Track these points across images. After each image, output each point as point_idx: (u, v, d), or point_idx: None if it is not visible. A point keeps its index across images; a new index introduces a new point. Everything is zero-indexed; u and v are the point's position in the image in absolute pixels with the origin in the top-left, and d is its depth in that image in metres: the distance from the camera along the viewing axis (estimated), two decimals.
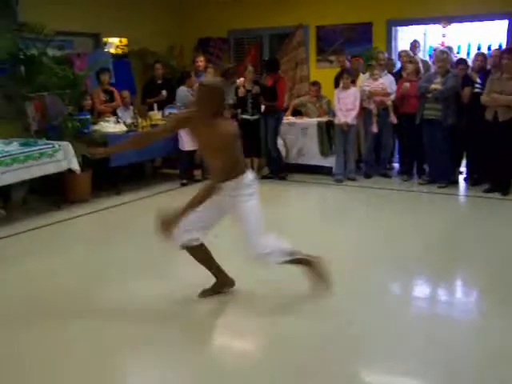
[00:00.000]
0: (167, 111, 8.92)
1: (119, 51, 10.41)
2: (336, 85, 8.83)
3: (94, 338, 3.83)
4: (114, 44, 10.37)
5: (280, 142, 8.81)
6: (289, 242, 4.30)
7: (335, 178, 8.51)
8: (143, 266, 5.24)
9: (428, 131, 7.86)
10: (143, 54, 10.43)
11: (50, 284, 4.83)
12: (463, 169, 8.27)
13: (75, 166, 7.25)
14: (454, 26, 9.26)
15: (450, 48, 8.69)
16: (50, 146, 7.03)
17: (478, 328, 3.92)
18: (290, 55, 10.26)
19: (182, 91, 8.47)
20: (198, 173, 8.89)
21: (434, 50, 8.97)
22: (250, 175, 4.22)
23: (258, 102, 8.67)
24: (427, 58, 9.35)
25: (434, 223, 6.37)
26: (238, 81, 8.93)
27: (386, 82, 8.36)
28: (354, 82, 8.58)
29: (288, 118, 9.03)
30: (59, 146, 7.09)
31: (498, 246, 5.55)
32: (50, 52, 8.19)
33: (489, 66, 7.83)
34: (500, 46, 8.69)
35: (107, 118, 8.35)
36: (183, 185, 8.52)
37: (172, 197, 8.03)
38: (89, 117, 8.04)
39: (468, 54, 9.48)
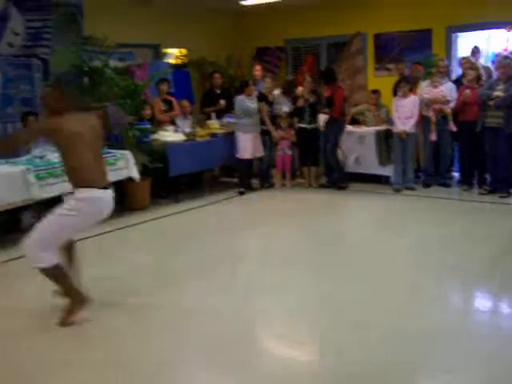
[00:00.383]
0: (225, 120, 9.02)
1: (178, 61, 10.61)
2: (395, 93, 8.73)
3: (145, 344, 3.90)
4: (174, 54, 10.57)
5: (338, 151, 8.76)
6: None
7: (393, 188, 8.40)
8: (201, 272, 5.29)
9: (489, 139, 7.69)
10: (202, 63, 10.59)
11: (112, 287, 4.94)
12: None
13: (135, 174, 7.39)
14: None
15: None
16: (112, 154, 7.19)
17: None
18: (347, 64, 10.18)
19: (240, 100, 8.54)
20: (255, 182, 8.93)
21: (497, 56, 8.76)
22: (93, 193, 4.14)
23: (315, 110, 8.66)
24: (489, 65, 9.14)
25: (497, 234, 6.21)
26: (297, 90, 8.95)
27: (446, 89, 8.21)
28: (411, 90, 8.46)
29: (346, 127, 8.99)
30: (120, 154, 7.25)
31: None
32: (112, 63, 8.45)
33: None
34: None
35: (166, 127, 8.50)
36: (241, 193, 8.57)
37: (229, 205, 8.10)
38: (148, 126, 8.20)
39: None
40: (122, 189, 7.65)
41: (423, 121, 8.38)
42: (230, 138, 8.62)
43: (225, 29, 11.05)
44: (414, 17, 9.69)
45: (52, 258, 4.04)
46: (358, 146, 8.82)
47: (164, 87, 8.88)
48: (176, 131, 8.49)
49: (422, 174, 8.79)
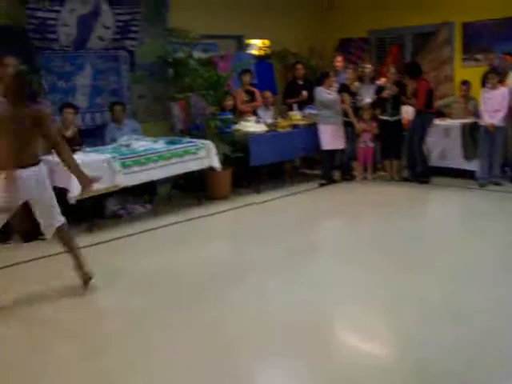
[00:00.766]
0: (307, 111, 8.98)
1: (261, 52, 10.64)
2: (483, 84, 8.41)
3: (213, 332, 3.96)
4: (257, 45, 10.61)
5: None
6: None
7: (479, 183, 8.11)
8: (278, 263, 5.31)
9: None
10: (285, 54, 10.57)
11: (189, 272, 5.05)
12: None
13: (216, 164, 7.50)
14: None
15: None
16: (194, 144, 7.33)
17: None
18: (433, 54, 9.93)
19: (319, 91, 8.48)
20: (336, 173, 8.86)
21: None
22: None
23: (398, 102, 8.48)
24: None
25: None
26: (380, 81, 8.80)
27: None
28: (501, 82, 8.13)
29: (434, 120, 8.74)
30: (202, 144, 7.37)
31: None
32: (196, 55, 8.59)
33: None
34: None
35: (248, 118, 8.55)
36: (322, 185, 8.52)
37: (310, 197, 8.07)
38: (231, 116, 8.28)
39: None
40: (204, 178, 7.79)
41: None
42: (311, 130, 8.58)
43: (308, 20, 10.98)
44: (505, 3, 9.26)
45: None
46: (442, 140, 8.55)
47: (246, 78, 8.95)
48: (258, 122, 8.53)
49: (508, 169, 8.44)
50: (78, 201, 6.18)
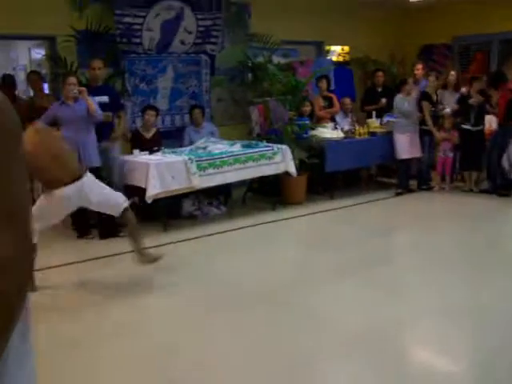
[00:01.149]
0: (386, 119, 8.85)
1: (341, 59, 10.59)
2: None
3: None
4: (337, 52, 10.57)
5: (504, 157, 8.23)
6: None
7: None
8: (347, 270, 5.26)
9: None
10: (365, 61, 10.48)
11: (254, 277, 5.07)
12: None
13: (292, 169, 7.50)
14: None
15: None
16: (270, 148, 7.36)
17: None
18: None
19: (398, 99, 8.34)
20: (413, 183, 8.68)
21: None
22: None
23: (482, 112, 8.22)
24: None
25: None
26: (464, 89, 8.57)
27: None
28: None
29: None
30: (278, 148, 7.39)
31: None
32: (275, 60, 8.64)
33: None
34: None
35: (325, 124, 8.52)
36: (398, 194, 8.37)
37: (385, 205, 7.95)
38: (308, 122, 8.27)
39: None
40: (279, 183, 7.81)
41: None
42: (388, 138, 8.44)
43: (389, 26, 10.84)
44: None
45: None
46: None
47: (323, 84, 8.92)
48: (335, 128, 8.48)
49: None
50: (154, 200, 6.34)
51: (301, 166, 7.77)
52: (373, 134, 8.60)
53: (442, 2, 10.09)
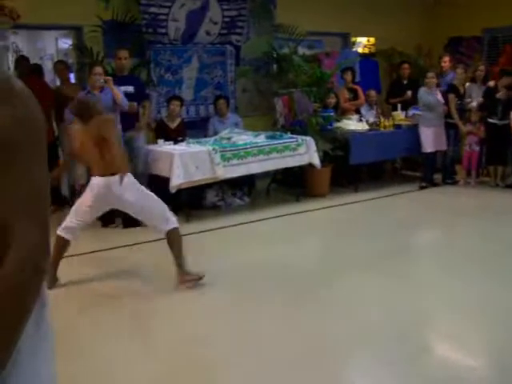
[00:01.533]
0: (411, 112, 8.76)
1: (366, 50, 10.51)
2: None
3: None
4: (362, 43, 10.49)
5: None
6: None
7: None
8: (367, 263, 5.22)
9: None
10: (390, 53, 10.38)
11: (282, 268, 5.07)
12: None
13: (316, 160, 7.48)
14: None
15: None
16: (294, 140, 7.35)
17: None
18: None
19: (422, 92, 8.26)
20: (437, 176, 8.60)
21: None
22: None
23: (509, 106, 8.08)
24: None
25: None
26: (491, 83, 8.44)
27: None
28: None
29: None
30: (302, 140, 7.37)
31: None
32: (301, 51, 8.60)
33: None
34: None
35: (350, 116, 8.47)
36: (422, 188, 8.30)
37: (409, 199, 7.88)
38: (333, 114, 8.22)
39: None
40: (303, 175, 7.79)
41: None
42: (414, 130, 8.37)
43: (415, 18, 10.72)
44: None
45: None
46: None
47: (348, 76, 8.86)
48: (360, 120, 8.43)
49: None
50: (178, 190, 6.36)
51: (325, 157, 7.74)
52: (398, 126, 8.53)
53: None
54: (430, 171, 8.45)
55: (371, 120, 8.53)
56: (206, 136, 7.57)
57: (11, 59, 9.03)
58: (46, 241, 1.19)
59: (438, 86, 8.45)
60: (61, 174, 5.91)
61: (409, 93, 9.09)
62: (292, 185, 7.84)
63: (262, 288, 4.65)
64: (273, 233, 6.32)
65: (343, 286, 4.69)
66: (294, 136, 7.51)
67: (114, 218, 6.51)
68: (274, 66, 8.79)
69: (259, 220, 6.72)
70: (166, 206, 4.71)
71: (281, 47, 8.56)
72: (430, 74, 8.40)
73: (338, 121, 8.27)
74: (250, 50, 8.59)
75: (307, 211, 7.13)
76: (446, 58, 9.34)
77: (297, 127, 8.06)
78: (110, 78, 6.22)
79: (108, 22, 7.35)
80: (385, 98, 9.66)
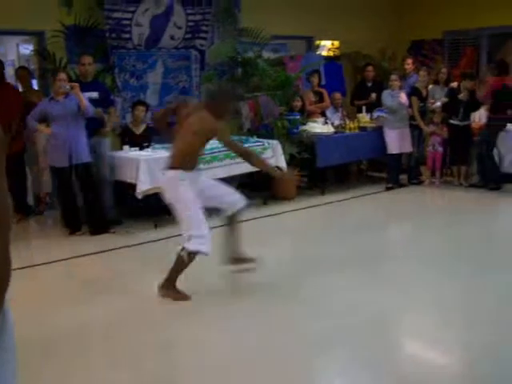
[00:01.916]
0: (376, 114, 8.86)
1: (331, 53, 10.58)
2: None
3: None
4: (327, 46, 10.56)
5: (494, 150, 8.26)
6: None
7: None
8: (337, 265, 5.26)
9: None
10: (355, 56, 10.47)
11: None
12: None
13: (283, 164, 7.49)
14: None
15: None
16: (260, 144, 7.36)
17: None
18: (511, 57, 9.58)
19: (385, 94, 8.37)
20: (403, 177, 8.70)
21: None
22: None
23: (470, 107, 8.21)
24: None
25: None
26: (453, 84, 8.57)
27: None
28: None
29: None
30: (269, 144, 7.39)
31: None
32: (265, 55, 8.61)
33: None
34: None
35: (316, 119, 8.52)
36: (388, 189, 8.39)
37: (376, 200, 7.96)
38: (298, 117, 8.26)
39: None
40: (270, 178, 7.78)
41: None
42: (379, 132, 8.46)
43: (379, 21, 10.83)
44: None
45: None
46: None
47: (315, 79, 8.92)
48: (326, 123, 8.48)
49: None
50: (145, 196, 6.32)
51: (291, 161, 7.76)
52: (363, 128, 8.62)
53: None
54: (395, 172, 8.55)
55: (337, 122, 8.60)
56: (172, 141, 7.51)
57: None
58: (6, 249, 1.18)
59: (401, 88, 8.55)
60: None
61: (373, 95, 9.19)
62: (259, 189, 7.85)
63: (232, 291, 4.66)
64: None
65: (313, 286, 4.72)
66: (261, 140, 7.52)
67: (81, 226, 6.45)
68: (239, 70, 8.78)
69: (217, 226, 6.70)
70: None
71: (245, 51, 8.55)
72: (394, 77, 8.50)
73: (304, 124, 8.31)
74: (214, 54, 8.56)
75: (275, 214, 7.15)
76: (410, 61, 9.47)
77: (263, 131, 8.07)
78: (76, 84, 6.15)
79: (70, 28, 7.27)
80: (350, 101, 9.74)
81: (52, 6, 7.06)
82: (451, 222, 6.67)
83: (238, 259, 4.84)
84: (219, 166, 6.89)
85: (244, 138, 7.66)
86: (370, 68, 9.50)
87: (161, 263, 4.83)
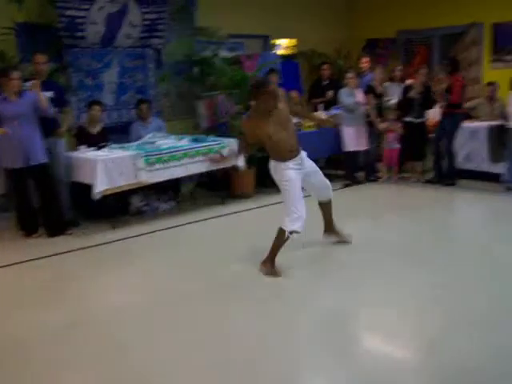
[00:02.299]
0: (332, 112, 8.94)
1: (287, 52, 10.64)
2: (511, 86, 8.28)
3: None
4: (283, 45, 10.61)
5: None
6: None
7: (506, 186, 8.00)
8: (296, 261, 5.31)
9: None
10: (311, 54, 10.56)
11: (207, 272, 5.08)
12: None
13: (241, 163, 7.49)
14: None
15: None
16: (218, 142, 7.36)
17: None
18: (461, 56, 9.82)
19: (342, 92, 8.46)
20: (360, 174, 8.81)
21: None
22: None
23: (424, 105, 8.37)
24: None
25: None
26: (408, 82, 8.72)
27: None
28: None
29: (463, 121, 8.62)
30: (226, 142, 7.38)
31: None
32: (222, 54, 8.60)
33: None
34: None
35: None
36: (346, 186, 8.48)
37: (334, 197, 8.01)
38: None
39: None
40: (228, 177, 7.81)
41: None
42: (336, 130, 8.54)
43: (335, 20, 10.96)
44: None
45: None
46: (469, 142, 8.45)
47: (273, 78, 8.92)
48: None
49: None
50: (103, 197, 6.26)
51: (249, 159, 7.78)
52: (320, 126, 8.67)
53: None
54: (352, 169, 8.65)
55: (294, 121, 8.60)
56: (129, 141, 7.46)
57: None
58: None
59: (357, 86, 8.65)
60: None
61: (330, 93, 9.28)
62: (217, 187, 7.86)
63: (188, 289, 4.65)
64: (199, 236, 6.32)
65: (270, 285, 4.75)
66: (218, 139, 7.52)
67: (37, 228, 6.35)
68: (196, 69, 8.75)
69: (185, 224, 6.70)
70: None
71: (202, 50, 8.53)
72: (350, 75, 8.59)
73: None
74: (171, 53, 8.52)
75: (233, 213, 7.17)
76: (365, 59, 9.57)
77: (220, 130, 8.08)
78: (37, 81, 6.03)
79: (21, 25, 7.12)
80: (306, 99, 9.81)
81: (1, 1, 6.87)
82: (407, 218, 6.77)
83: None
84: (177, 166, 6.87)
85: (202, 136, 7.65)
86: (325, 66, 9.59)
87: (116, 264, 4.80)
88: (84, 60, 7.76)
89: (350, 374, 3.36)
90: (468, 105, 8.90)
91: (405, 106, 8.46)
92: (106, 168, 6.28)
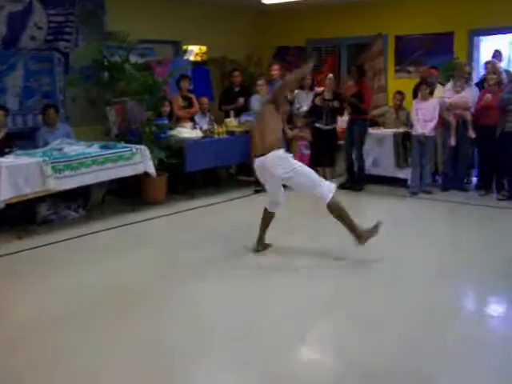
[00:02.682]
0: (243, 118, 9.01)
1: (198, 58, 10.64)
2: (415, 95, 8.65)
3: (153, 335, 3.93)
4: (194, 51, 10.60)
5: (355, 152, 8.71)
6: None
7: (410, 191, 8.33)
8: (206, 268, 5.31)
9: (509, 144, 7.59)
10: (222, 61, 10.60)
11: (118, 281, 4.98)
12: None
13: (151, 169, 7.42)
14: None
15: None
16: (128, 149, 7.23)
17: None
18: (368, 65, 10.14)
19: (253, 99, 8.55)
20: None
21: None
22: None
23: (334, 112, 8.59)
24: (511, 69, 9.02)
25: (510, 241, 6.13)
26: (317, 89, 8.91)
27: (469, 94, 8.13)
28: (431, 94, 8.39)
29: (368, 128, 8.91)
30: (136, 149, 7.28)
31: None
32: (133, 59, 8.48)
33: None
34: None
35: (184, 124, 8.52)
36: (257, 191, 8.55)
37: (244, 203, 8.10)
38: (166, 122, 8.23)
39: None
40: (138, 184, 7.71)
41: (443, 124, 8.29)
42: (247, 137, 8.60)
43: (246, 27, 11.06)
44: (437, 19, 9.62)
45: None
46: (376, 148, 8.77)
47: (185, 84, 8.91)
48: (194, 128, 8.51)
49: (439, 178, 8.72)
50: (7, 205, 6.02)
51: (160, 166, 7.71)
52: (231, 133, 8.73)
53: (295, 8, 10.48)
54: None
55: (205, 127, 8.63)
56: (35, 147, 7.21)
57: None
58: None
59: (268, 93, 8.74)
60: None
61: (241, 100, 9.34)
62: (128, 195, 7.74)
63: (100, 300, 4.56)
64: (108, 245, 6.20)
65: (185, 293, 4.72)
66: (128, 145, 7.39)
67: None
68: (105, 75, 8.58)
69: (95, 232, 6.56)
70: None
71: (112, 55, 8.38)
72: (260, 82, 8.69)
73: (172, 129, 8.28)
74: (79, 57, 8.31)
75: (143, 220, 7.08)
76: (276, 67, 9.70)
77: (131, 136, 7.95)
78: None
79: None
80: (217, 105, 9.83)
81: None
82: (319, 222, 6.89)
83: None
84: (86, 173, 6.68)
85: (112, 143, 7.51)
86: (236, 73, 9.65)
87: (23, 275, 4.63)
88: None
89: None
90: (375, 112, 9.23)
91: (314, 112, 8.66)
92: (11, 175, 6.03)
